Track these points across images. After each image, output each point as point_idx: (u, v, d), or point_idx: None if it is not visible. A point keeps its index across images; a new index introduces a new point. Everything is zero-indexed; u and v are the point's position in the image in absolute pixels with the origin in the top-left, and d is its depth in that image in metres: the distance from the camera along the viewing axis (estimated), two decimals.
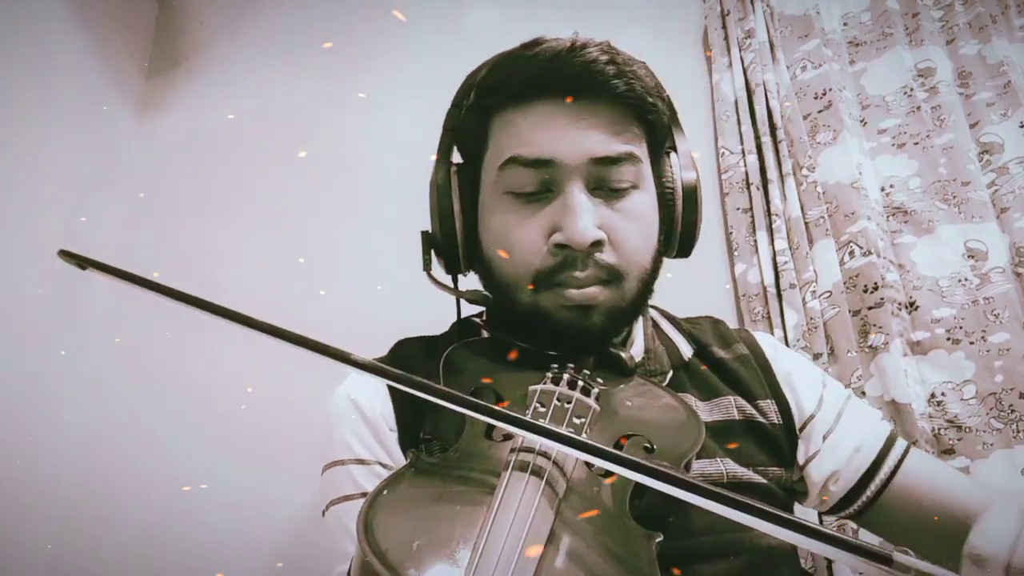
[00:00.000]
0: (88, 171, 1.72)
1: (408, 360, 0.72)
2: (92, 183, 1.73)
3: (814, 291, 1.22)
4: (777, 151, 1.33)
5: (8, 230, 1.49)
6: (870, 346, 1.17)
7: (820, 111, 1.34)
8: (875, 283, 1.19)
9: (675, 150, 0.73)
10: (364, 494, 0.63)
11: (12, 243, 1.49)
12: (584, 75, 0.63)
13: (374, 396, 0.68)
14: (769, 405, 0.71)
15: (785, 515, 0.38)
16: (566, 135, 0.63)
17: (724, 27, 1.46)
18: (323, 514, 0.67)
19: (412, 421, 0.66)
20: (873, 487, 0.70)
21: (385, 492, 0.46)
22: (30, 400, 1.50)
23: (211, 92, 1.86)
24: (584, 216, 0.62)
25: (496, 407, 0.46)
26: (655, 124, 0.69)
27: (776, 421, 0.71)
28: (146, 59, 1.97)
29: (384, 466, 0.65)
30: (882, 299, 1.18)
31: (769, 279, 1.26)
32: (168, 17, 2.02)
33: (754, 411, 0.70)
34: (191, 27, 1.97)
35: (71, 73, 1.70)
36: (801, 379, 0.75)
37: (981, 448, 1.08)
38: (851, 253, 1.23)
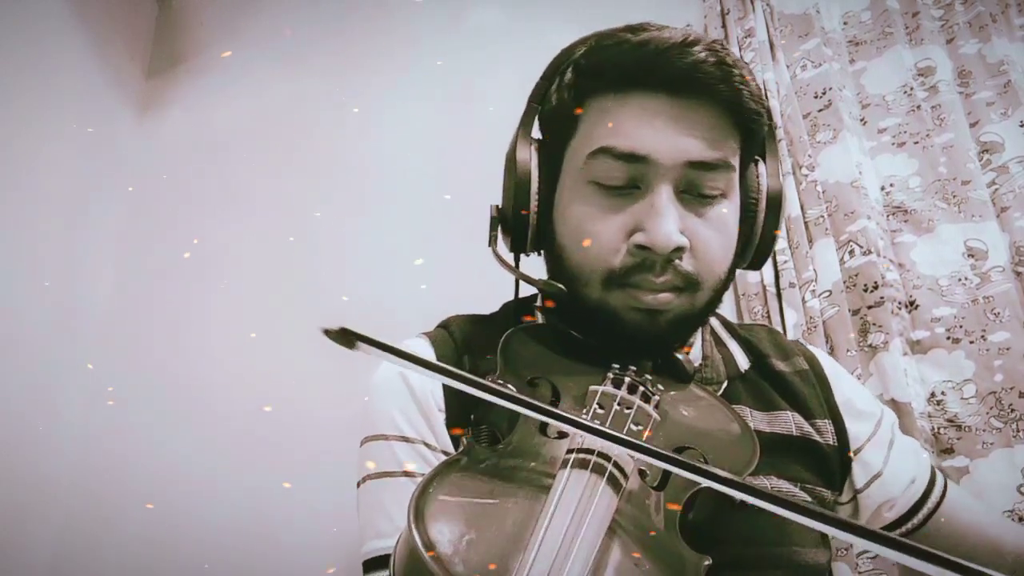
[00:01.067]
0: (88, 171, 1.72)
1: (470, 340, 0.70)
2: (92, 183, 1.73)
3: (814, 290, 1.22)
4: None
5: (8, 229, 1.49)
6: (870, 345, 1.17)
7: (820, 110, 1.34)
8: (875, 282, 1.19)
9: (764, 159, 0.70)
10: (405, 472, 0.62)
11: (12, 242, 1.49)
12: (691, 74, 0.61)
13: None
14: (826, 426, 0.71)
15: (853, 522, 0.38)
16: (664, 133, 0.61)
17: (724, 26, 1.46)
18: (358, 486, 0.65)
19: (462, 404, 0.64)
20: (919, 517, 0.72)
21: (437, 480, 0.45)
22: (30, 400, 1.50)
23: (211, 92, 1.86)
24: (670, 220, 0.59)
25: (565, 413, 0.45)
26: (754, 133, 0.66)
27: (832, 443, 0.70)
28: (146, 59, 1.97)
29: (428, 446, 0.63)
30: (882, 298, 1.18)
31: (769, 278, 1.26)
32: (168, 17, 2.02)
33: (811, 430, 0.69)
34: (191, 27, 1.98)
35: (71, 73, 1.70)
36: (861, 405, 0.75)
37: (981, 447, 1.08)
38: (851, 252, 1.23)
